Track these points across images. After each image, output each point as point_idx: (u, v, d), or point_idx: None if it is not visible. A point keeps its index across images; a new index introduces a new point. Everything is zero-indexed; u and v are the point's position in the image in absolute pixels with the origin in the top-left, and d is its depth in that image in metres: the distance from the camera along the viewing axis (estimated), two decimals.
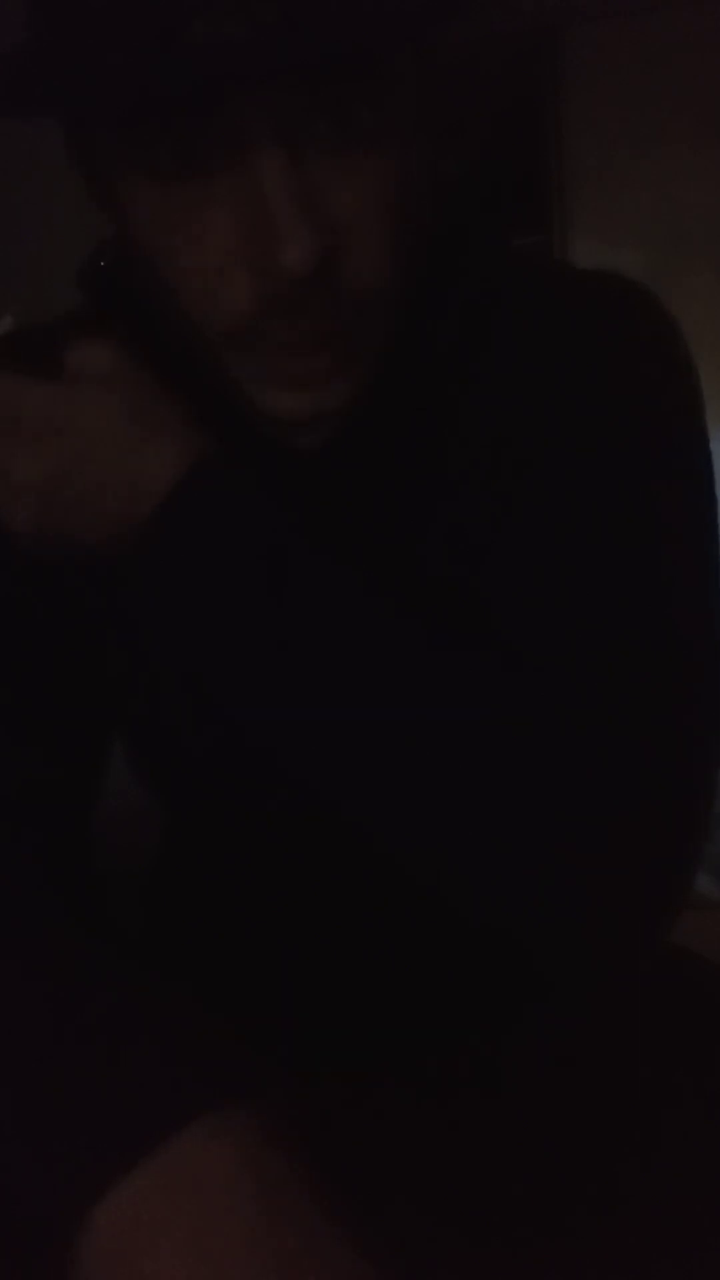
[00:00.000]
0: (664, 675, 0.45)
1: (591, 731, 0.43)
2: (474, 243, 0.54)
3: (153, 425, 0.45)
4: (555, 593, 0.47)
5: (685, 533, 0.49)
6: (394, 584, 0.47)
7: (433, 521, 0.51)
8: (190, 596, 0.45)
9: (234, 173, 0.40)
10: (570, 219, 2.29)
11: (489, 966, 0.55)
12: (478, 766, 0.42)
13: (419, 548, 0.51)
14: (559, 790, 0.42)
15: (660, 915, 0.44)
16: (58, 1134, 0.34)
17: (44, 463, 0.45)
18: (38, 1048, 0.36)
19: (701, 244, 2.21)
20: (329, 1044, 0.53)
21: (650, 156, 2.22)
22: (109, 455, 0.44)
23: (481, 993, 0.55)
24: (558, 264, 0.58)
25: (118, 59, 0.38)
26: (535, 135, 2.31)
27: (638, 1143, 0.48)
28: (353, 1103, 0.49)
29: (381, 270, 0.43)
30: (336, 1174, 0.33)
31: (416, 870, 0.45)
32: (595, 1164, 0.47)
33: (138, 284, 0.47)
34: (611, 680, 0.44)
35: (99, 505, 0.45)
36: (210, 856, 0.59)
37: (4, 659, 0.52)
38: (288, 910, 0.57)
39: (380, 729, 0.43)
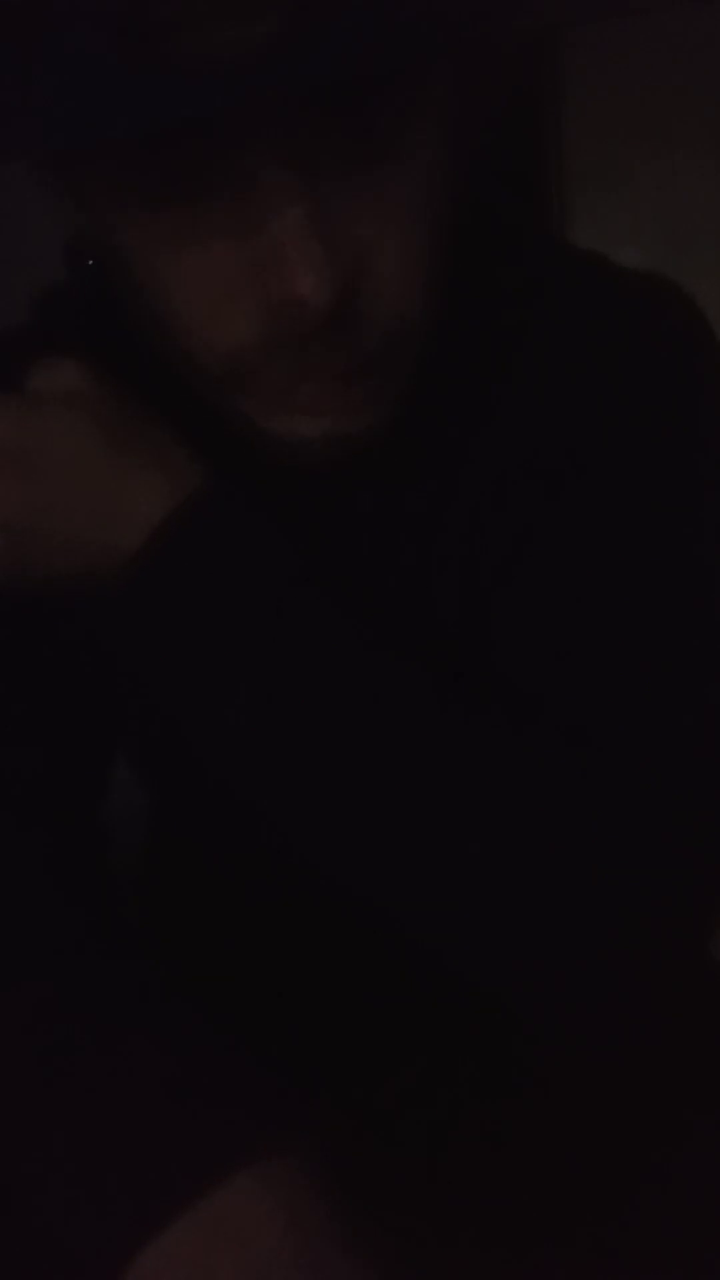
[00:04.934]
0: (702, 736, 0.41)
1: (621, 803, 0.39)
2: (499, 244, 0.51)
3: (135, 451, 0.41)
4: (583, 637, 0.43)
5: None
6: (400, 621, 0.44)
7: (447, 549, 0.48)
8: (174, 639, 0.41)
9: (239, 199, 0.36)
10: (570, 219, 2.28)
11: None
12: (484, 843, 0.39)
13: (431, 577, 0.48)
14: (581, 878, 0.38)
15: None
16: (102, 1182, 0.34)
17: (13, 494, 0.41)
18: (85, 1095, 0.36)
19: (701, 244, 2.20)
20: (330, 1046, 0.53)
21: (650, 156, 2.21)
22: (87, 485, 0.40)
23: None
24: (595, 263, 0.53)
25: (95, 88, 0.32)
26: (535, 135, 2.31)
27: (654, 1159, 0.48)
28: (389, 1152, 0.48)
29: (407, 297, 0.39)
30: (376, 1224, 0.34)
31: (416, 937, 0.42)
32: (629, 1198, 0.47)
33: (123, 296, 0.43)
34: (649, 742, 0.40)
35: (76, 540, 0.41)
36: (203, 857, 0.59)
37: (4, 658, 0.51)
38: (282, 912, 0.56)
39: (376, 799, 0.40)
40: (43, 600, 0.51)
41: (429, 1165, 0.51)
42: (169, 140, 0.35)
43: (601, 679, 0.42)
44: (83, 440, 0.41)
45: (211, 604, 0.41)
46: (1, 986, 0.40)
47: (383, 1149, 0.48)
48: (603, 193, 2.25)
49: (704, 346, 0.50)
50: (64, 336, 0.50)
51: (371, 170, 0.37)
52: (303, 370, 0.40)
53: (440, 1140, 0.52)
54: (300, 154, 0.35)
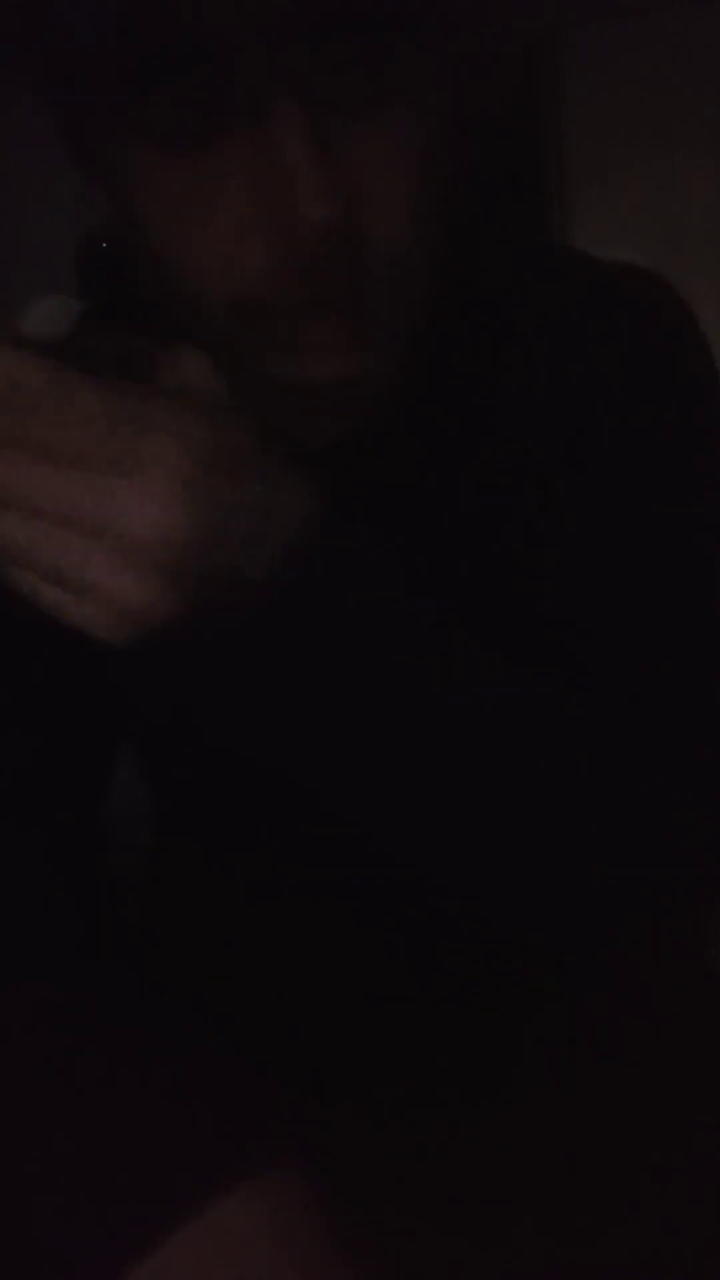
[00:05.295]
0: None
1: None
2: (496, 234, 0.53)
3: (263, 468, 0.38)
4: (621, 599, 0.46)
5: None
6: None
7: (460, 527, 0.50)
8: (304, 669, 0.39)
9: (250, 135, 0.39)
10: (570, 219, 2.29)
11: (490, 975, 0.55)
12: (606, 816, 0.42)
13: (444, 554, 0.49)
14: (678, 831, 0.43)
15: None
16: (99, 1196, 0.34)
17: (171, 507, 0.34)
18: (82, 1103, 0.36)
19: (701, 244, 2.21)
20: (329, 1051, 0.53)
21: (650, 156, 2.21)
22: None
23: (483, 1000, 0.55)
24: (584, 255, 0.56)
25: (115, 9, 0.35)
26: (535, 135, 2.31)
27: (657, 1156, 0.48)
28: (386, 1161, 0.48)
29: (404, 234, 0.42)
30: (371, 1236, 0.34)
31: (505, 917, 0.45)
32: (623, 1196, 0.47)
33: (137, 267, 0.45)
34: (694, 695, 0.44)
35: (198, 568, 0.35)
36: (206, 859, 0.59)
37: (5, 657, 0.51)
38: (283, 914, 0.56)
39: (506, 790, 0.41)
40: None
41: (425, 1175, 0.51)
42: (184, 66, 0.37)
43: (640, 637, 0.45)
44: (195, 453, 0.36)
45: (341, 633, 0.39)
46: (1, 987, 0.40)
47: (379, 1158, 0.48)
48: (603, 193, 2.25)
49: (692, 331, 0.53)
50: (78, 343, 0.51)
51: (378, 114, 0.40)
52: (307, 298, 0.41)
53: (437, 1149, 0.52)
54: (309, 90, 0.38)
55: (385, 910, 0.55)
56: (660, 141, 2.21)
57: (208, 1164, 0.33)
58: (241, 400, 0.46)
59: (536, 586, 0.49)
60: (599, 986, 0.49)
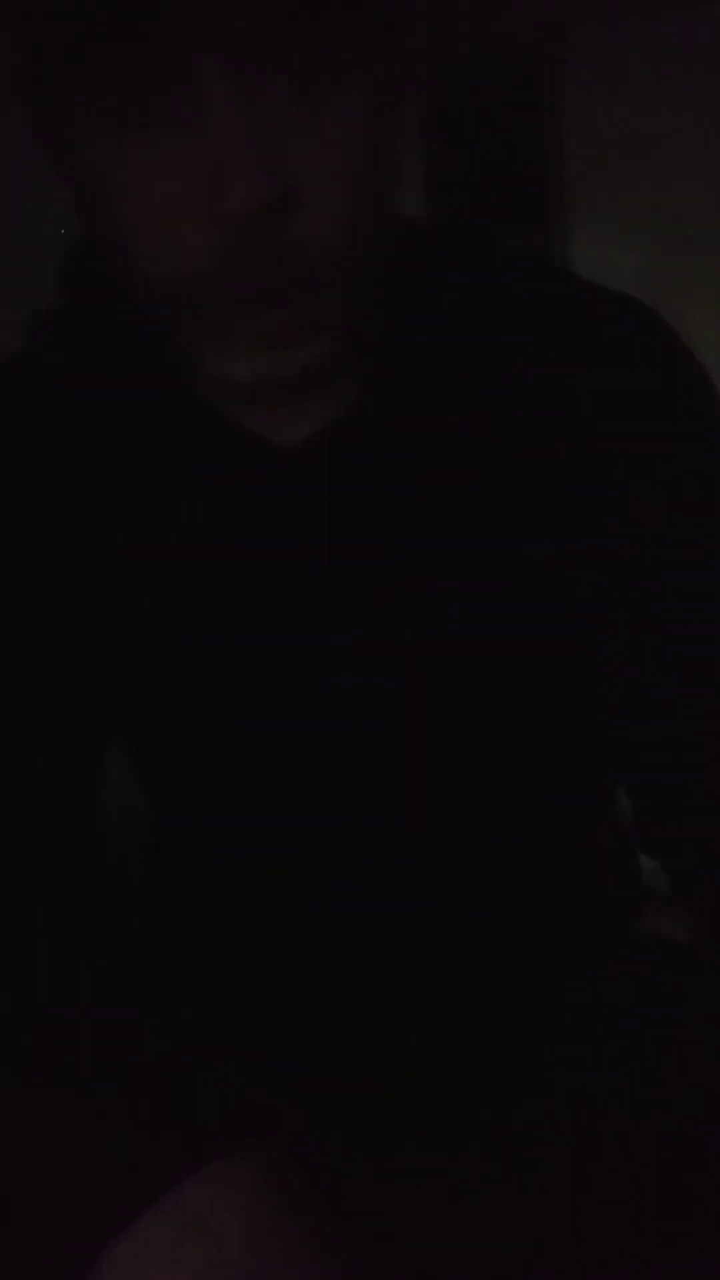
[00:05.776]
0: None
1: None
2: (468, 235, 0.53)
3: None
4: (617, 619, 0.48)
5: None
6: (380, 601, 0.47)
7: (421, 530, 0.50)
8: None
9: (186, 117, 0.38)
10: (570, 219, 2.28)
11: (485, 979, 0.55)
12: None
13: (404, 558, 0.50)
14: None
15: None
16: (69, 1178, 0.34)
17: None
18: (52, 1091, 0.36)
19: (701, 244, 2.20)
20: (317, 1046, 0.53)
21: (650, 156, 2.21)
22: None
23: (476, 1007, 0.55)
24: (564, 269, 0.56)
25: None
26: (535, 135, 2.31)
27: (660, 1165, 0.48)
28: (357, 1149, 0.48)
29: (339, 228, 0.41)
30: (340, 1221, 0.34)
31: None
32: (611, 1193, 0.47)
33: (105, 268, 0.45)
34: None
35: None
36: (205, 862, 0.59)
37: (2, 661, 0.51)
38: (282, 914, 0.56)
39: None
40: (41, 601, 0.52)
41: (398, 1160, 0.51)
42: (125, 40, 0.37)
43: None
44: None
45: None
46: None
47: (350, 1144, 0.48)
48: (603, 193, 2.25)
49: (686, 360, 0.52)
50: (56, 360, 0.52)
51: (310, 108, 0.39)
52: (247, 302, 0.41)
53: (415, 1134, 0.52)
54: (244, 78, 0.37)
55: (382, 911, 0.55)
56: (660, 141, 2.20)
57: (177, 1144, 0.33)
58: (202, 398, 0.46)
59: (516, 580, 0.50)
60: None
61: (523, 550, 0.51)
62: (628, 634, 0.50)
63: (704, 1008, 0.55)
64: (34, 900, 0.45)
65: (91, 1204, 0.33)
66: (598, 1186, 0.47)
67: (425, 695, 0.52)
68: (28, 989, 0.40)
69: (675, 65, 2.15)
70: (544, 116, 2.29)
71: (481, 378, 0.50)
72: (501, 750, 0.54)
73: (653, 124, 2.20)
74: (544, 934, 0.57)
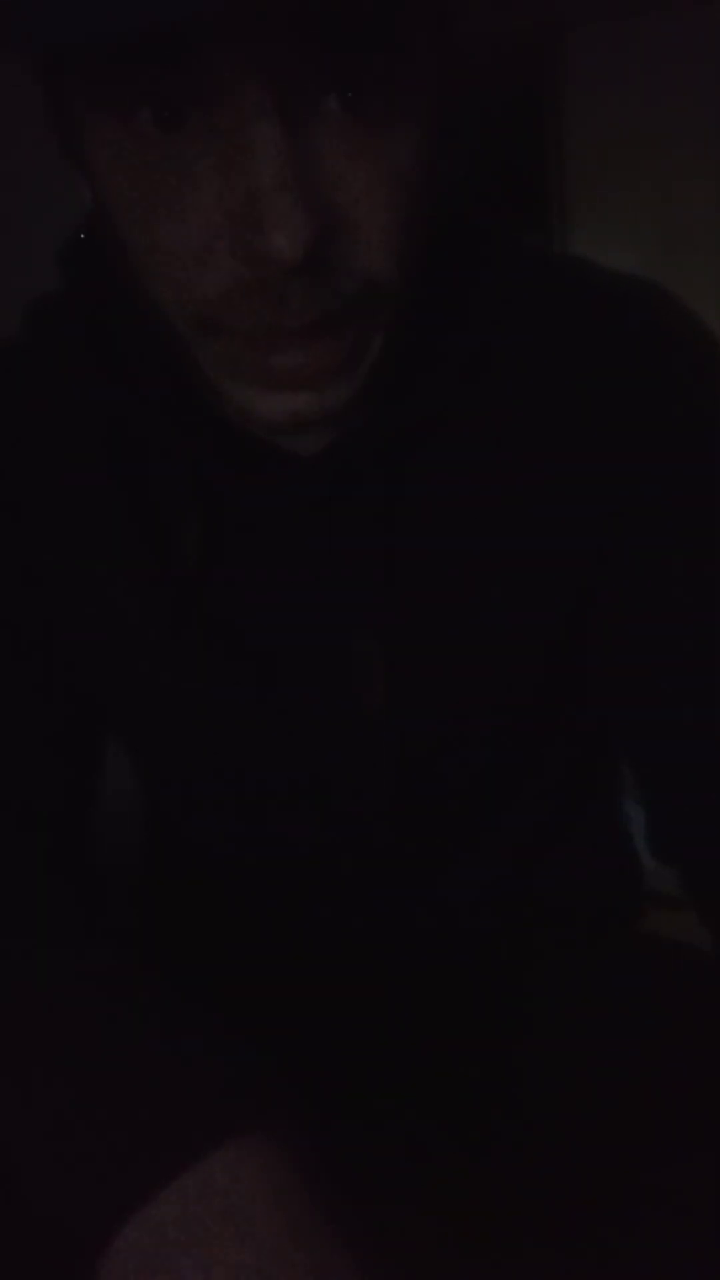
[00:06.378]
0: None
1: None
2: (485, 239, 0.50)
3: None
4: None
5: None
6: (379, 614, 0.46)
7: (444, 541, 0.48)
8: None
9: (225, 143, 0.35)
10: (570, 219, 2.29)
11: (480, 977, 0.55)
12: None
13: (428, 569, 0.48)
14: None
15: None
16: (86, 1155, 0.34)
17: None
18: (69, 1069, 0.36)
19: (701, 244, 2.21)
20: (324, 1031, 0.53)
21: (650, 156, 2.21)
22: None
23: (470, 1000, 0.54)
24: (579, 262, 0.53)
25: None
26: (535, 135, 2.31)
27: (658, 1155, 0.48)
28: (374, 1127, 0.48)
29: (381, 261, 0.39)
30: (357, 1198, 0.34)
31: None
32: (611, 1179, 0.47)
33: (111, 263, 0.42)
34: None
35: None
36: (202, 857, 0.59)
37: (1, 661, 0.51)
38: (281, 907, 0.56)
39: None
40: (40, 601, 0.51)
41: (417, 1140, 0.51)
42: (162, 61, 0.34)
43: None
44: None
45: None
46: None
47: (370, 1122, 0.48)
48: (603, 193, 2.25)
49: (705, 346, 0.50)
50: (55, 344, 0.50)
51: (361, 132, 0.36)
52: (271, 323, 0.38)
53: (433, 1125, 0.52)
54: (290, 108, 0.35)
55: (382, 913, 0.55)
56: (660, 141, 2.21)
57: (195, 1123, 0.33)
58: (218, 418, 0.43)
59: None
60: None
61: (548, 557, 0.49)
62: (652, 645, 0.49)
63: (704, 1008, 0.55)
64: (34, 899, 0.45)
65: (102, 1183, 0.33)
66: (597, 1185, 0.47)
67: (449, 710, 0.50)
68: (37, 975, 0.40)
69: (675, 65, 2.16)
70: (544, 116, 2.29)
71: (501, 382, 0.49)
72: (513, 760, 0.54)
73: (653, 124, 2.20)
74: (544, 934, 0.57)
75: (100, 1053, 0.36)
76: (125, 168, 0.37)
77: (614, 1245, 0.44)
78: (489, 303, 0.49)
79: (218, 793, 0.54)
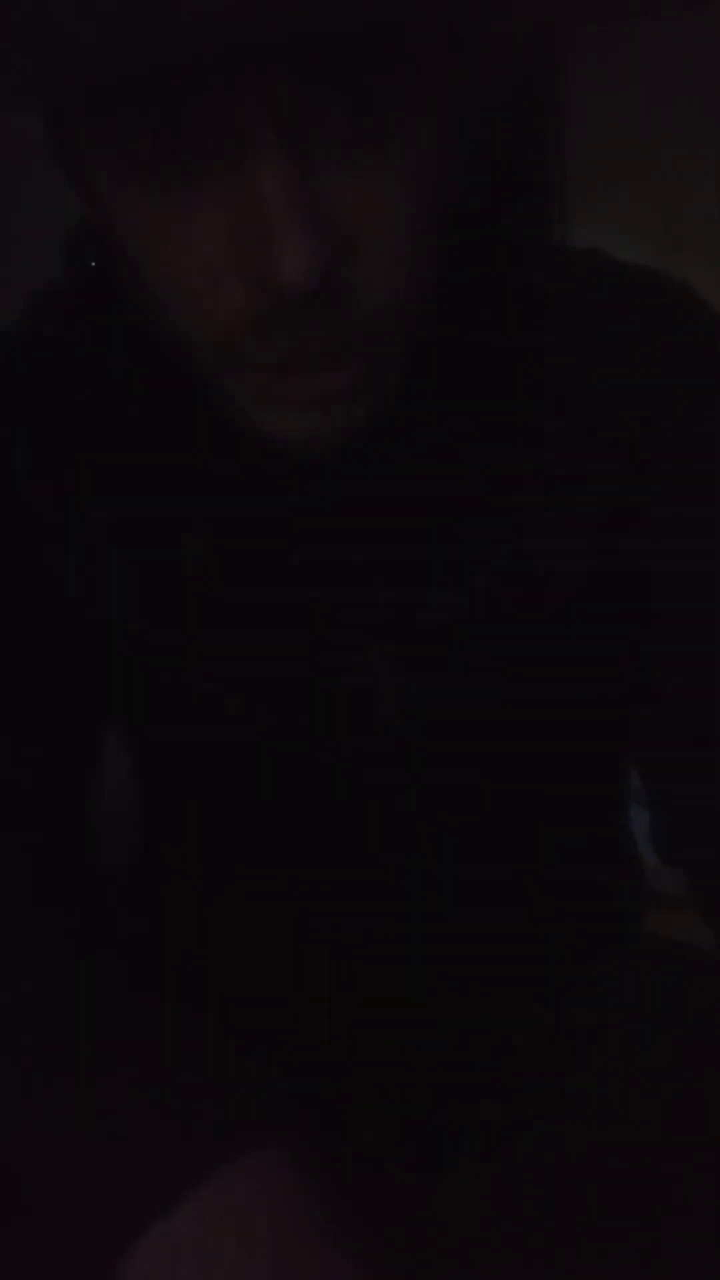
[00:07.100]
0: None
1: None
2: (500, 240, 0.50)
3: None
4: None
5: None
6: (391, 615, 0.45)
7: (456, 544, 0.48)
8: None
9: (230, 170, 0.35)
10: (570, 219, 2.28)
11: (480, 976, 0.55)
12: None
13: (441, 574, 0.48)
14: None
15: None
16: (100, 1168, 0.34)
17: None
18: (84, 1082, 0.36)
19: (702, 244, 2.20)
20: (326, 1040, 0.53)
21: (651, 156, 2.21)
22: None
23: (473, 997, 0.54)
24: (601, 257, 0.52)
25: (81, 26, 0.30)
26: (535, 135, 2.30)
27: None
28: (387, 1141, 0.48)
29: (397, 282, 0.38)
30: (368, 1212, 0.34)
31: None
32: (617, 1191, 0.47)
33: (125, 293, 0.42)
34: None
35: None
36: (201, 859, 0.59)
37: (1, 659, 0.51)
38: (279, 909, 0.56)
39: None
40: (39, 599, 0.51)
41: (424, 1155, 0.51)
42: (165, 95, 0.34)
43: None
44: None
45: None
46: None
47: (377, 1137, 0.48)
48: (603, 193, 2.25)
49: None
50: (58, 336, 0.49)
51: (370, 152, 0.36)
52: (289, 351, 0.38)
53: (437, 1130, 0.52)
54: (296, 127, 0.34)
55: (383, 916, 0.54)
56: (660, 141, 2.20)
57: (205, 1138, 0.33)
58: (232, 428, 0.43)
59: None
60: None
61: (564, 560, 0.49)
62: (669, 649, 0.48)
63: (705, 1008, 0.55)
64: (32, 898, 0.45)
65: (116, 1196, 0.33)
66: (598, 1186, 0.47)
67: (459, 715, 0.50)
68: (41, 983, 0.40)
69: (676, 65, 2.15)
70: (544, 116, 2.29)
71: (515, 385, 0.48)
72: (523, 765, 0.53)
73: (653, 123, 2.20)
74: (545, 934, 0.57)
75: (113, 1064, 0.36)
76: (130, 201, 0.37)
77: (618, 1247, 0.44)
78: (508, 304, 0.48)
79: (219, 796, 0.54)
